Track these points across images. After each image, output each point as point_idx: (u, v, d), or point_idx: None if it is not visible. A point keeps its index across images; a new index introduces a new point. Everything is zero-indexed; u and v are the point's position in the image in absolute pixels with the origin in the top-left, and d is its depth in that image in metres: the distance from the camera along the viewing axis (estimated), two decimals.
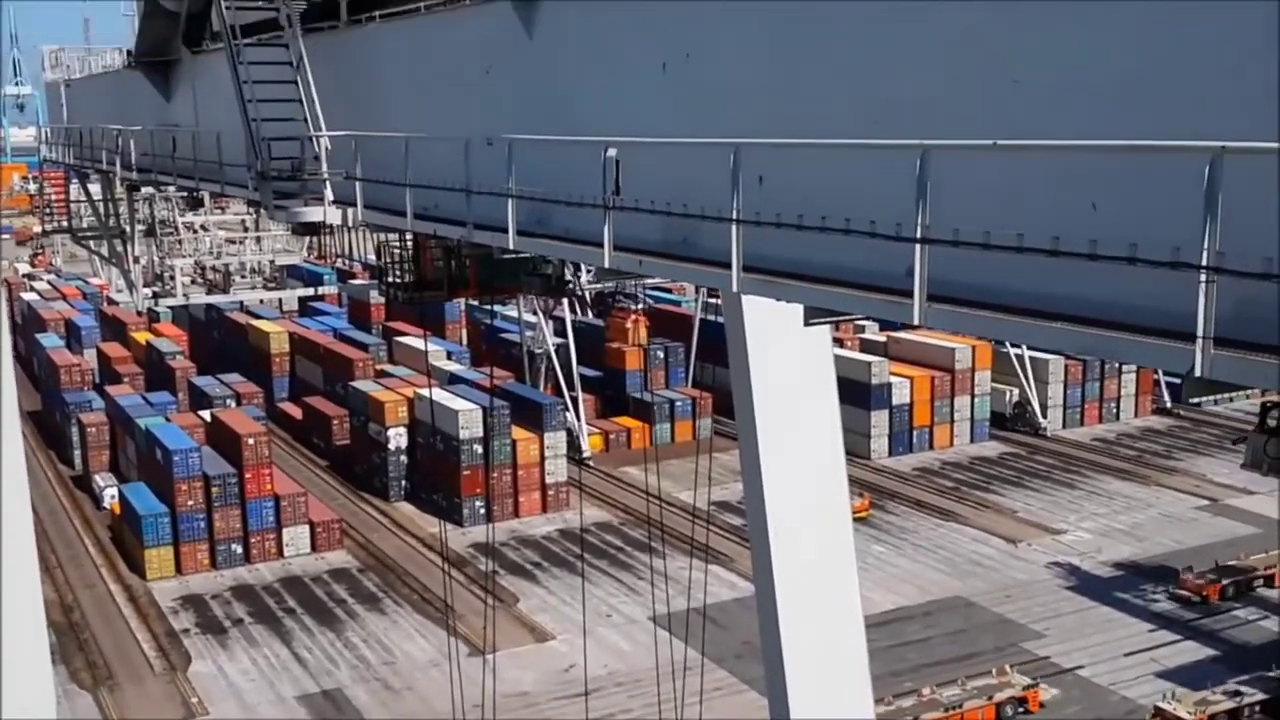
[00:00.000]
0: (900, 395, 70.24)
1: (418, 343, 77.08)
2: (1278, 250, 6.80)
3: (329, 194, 17.95)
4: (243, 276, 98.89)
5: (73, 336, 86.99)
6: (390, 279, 22.71)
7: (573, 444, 67.68)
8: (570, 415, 68.21)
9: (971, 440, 72.30)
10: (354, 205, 17.54)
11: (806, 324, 11.09)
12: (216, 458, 56.69)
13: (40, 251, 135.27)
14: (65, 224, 55.87)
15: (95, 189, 44.54)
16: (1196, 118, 7.57)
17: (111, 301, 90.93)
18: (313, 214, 17.98)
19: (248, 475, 55.45)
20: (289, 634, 49.60)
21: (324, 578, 55.07)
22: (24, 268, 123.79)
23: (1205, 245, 6.85)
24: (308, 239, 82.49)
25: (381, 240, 23.31)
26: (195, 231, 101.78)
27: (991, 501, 63.52)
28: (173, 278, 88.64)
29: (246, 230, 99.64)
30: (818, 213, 10.03)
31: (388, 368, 74.24)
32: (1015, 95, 8.82)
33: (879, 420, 69.63)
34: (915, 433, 70.97)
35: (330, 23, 19.19)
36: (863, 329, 77.52)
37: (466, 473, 59.77)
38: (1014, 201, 8.59)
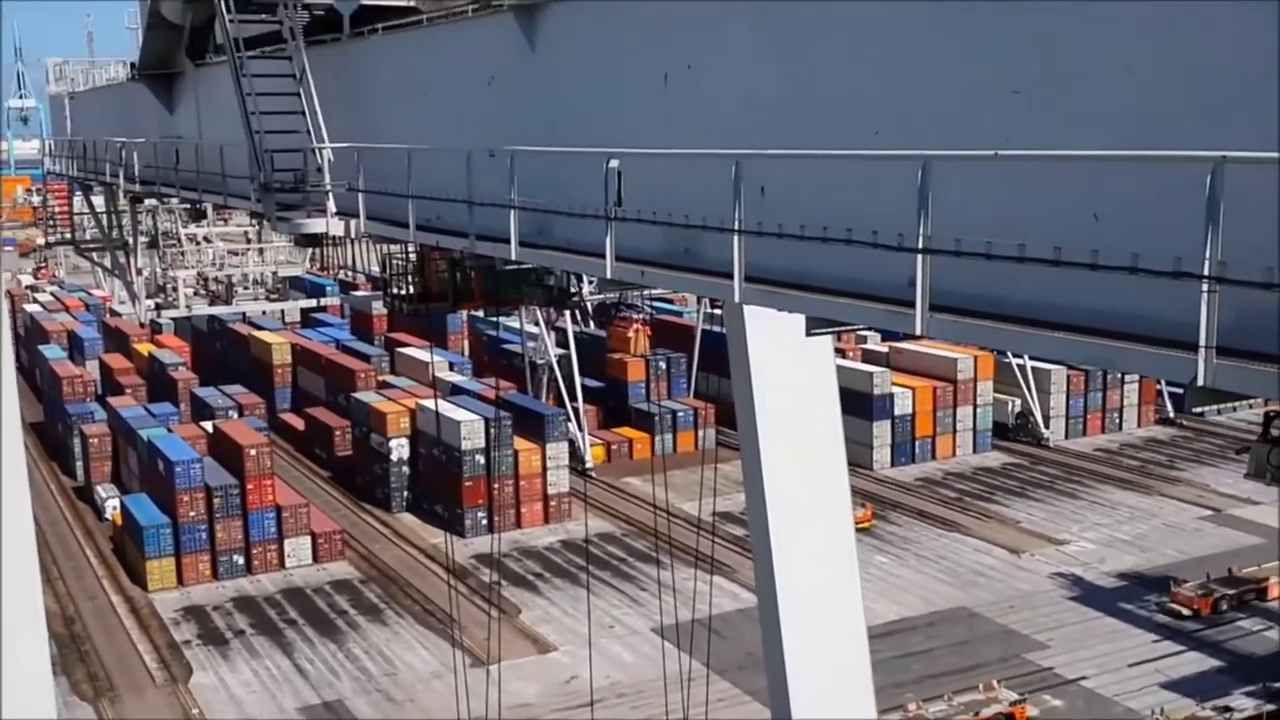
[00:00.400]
0: (902, 406, 70.18)
1: (420, 354, 77.13)
2: (1279, 260, 6.80)
3: (331, 205, 18.00)
4: (245, 288, 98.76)
5: (75, 348, 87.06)
6: (395, 290, 22.78)
7: (575, 455, 67.64)
8: (572, 426, 68.19)
9: (974, 450, 72.19)
10: (356, 217, 17.58)
11: (808, 334, 11.09)
12: (218, 469, 56.67)
13: (44, 264, 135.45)
14: (68, 236, 55.97)
15: (98, 201, 44.66)
16: (1198, 127, 7.58)
17: (114, 313, 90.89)
18: (315, 225, 18.03)
19: (249, 486, 55.44)
20: (290, 645, 49.54)
21: (326, 589, 55.01)
22: (27, 279, 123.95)
23: (1207, 255, 6.85)
24: (310, 250, 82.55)
25: (386, 252, 23.39)
26: (198, 243, 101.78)
27: (994, 512, 63.43)
28: (175, 289, 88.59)
29: (249, 242, 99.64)
30: (819, 223, 10.04)
31: (390, 379, 74.25)
32: (1017, 105, 8.84)
33: (881, 431, 69.56)
34: (918, 443, 70.89)
35: (333, 35, 19.26)
36: (865, 339, 77.50)
37: (468, 483, 59.73)
38: (1016, 212, 8.60)
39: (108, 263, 46.78)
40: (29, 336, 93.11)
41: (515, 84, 15.04)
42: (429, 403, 63.08)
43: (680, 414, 72.86)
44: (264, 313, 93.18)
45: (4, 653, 20.73)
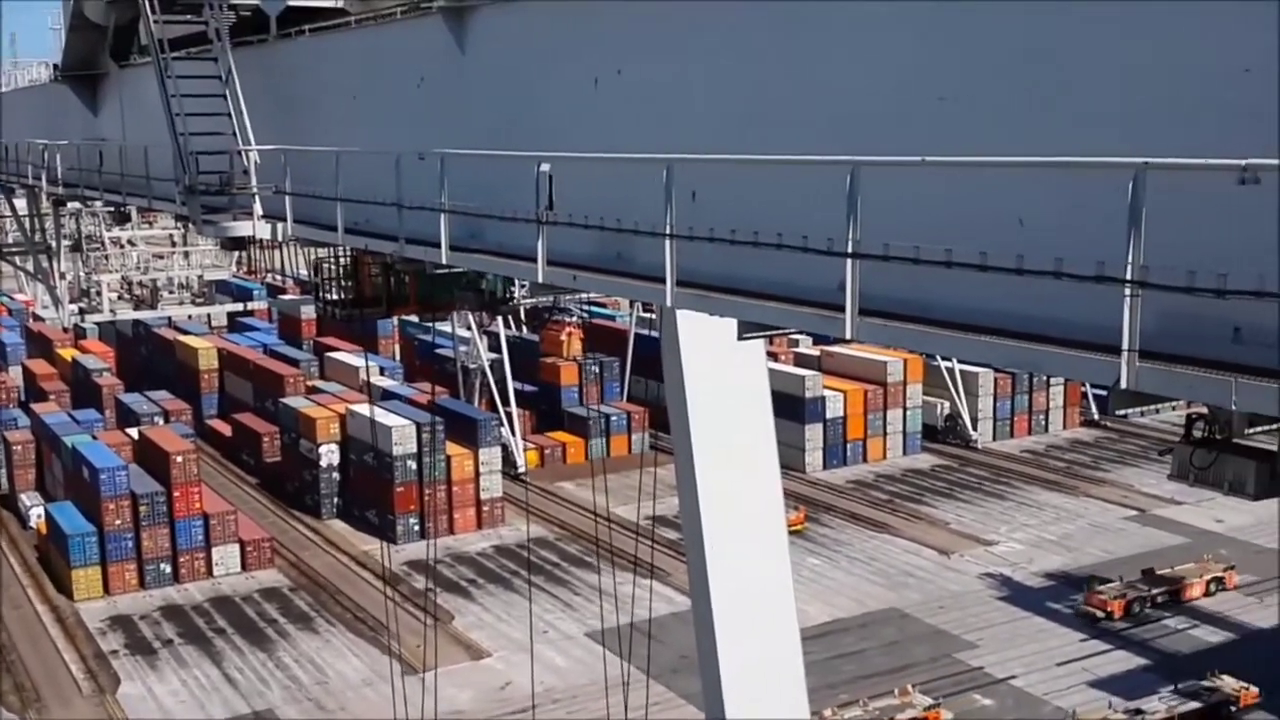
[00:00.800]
0: (834, 409, 70.75)
1: (349, 358, 76.37)
2: (1200, 264, 6.93)
3: (258, 208, 17.76)
4: (170, 292, 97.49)
5: None
6: (327, 295, 22.37)
7: (508, 459, 67.37)
8: (505, 430, 67.89)
9: (904, 453, 72.97)
10: (283, 220, 17.37)
11: (740, 338, 11.12)
12: (144, 476, 55.70)
13: None
14: None
15: (20, 204, 43.71)
16: (1121, 133, 7.71)
17: (37, 318, 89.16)
18: (241, 228, 17.78)
19: (176, 494, 54.53)
20: (219, 654, 48.79)
21: (255, 597, 54.24)
22: None
23: (1130, 259, 6.96)
24: (237, 254, 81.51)
25: (318, 256, 23.02)
26: (122, 246, 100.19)
27: (924, 513, 64.14)
28: (99, 293, 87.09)
29: (174, 245, 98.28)
30: (751, 227, 10.08)
31: (319, 384, 73.42)
32: (943, 112, 8.93)
33: (813, 434, 70.07)
34: (849, 446, 71.50)
35: (259, 36, 19.00)
36: (797, 343, 78.01)
37: (400, 489, 59.23)
38: (943, 217, 8.68)
39: (30, 267, 45.77)
40: None
41: (445, 86, 14.94)
42: (359, 408, 62.48)
43: (614, 418, 72.83)
44: (190, 317, 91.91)
45: None
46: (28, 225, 43.91)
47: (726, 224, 10.27)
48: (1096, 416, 78.32)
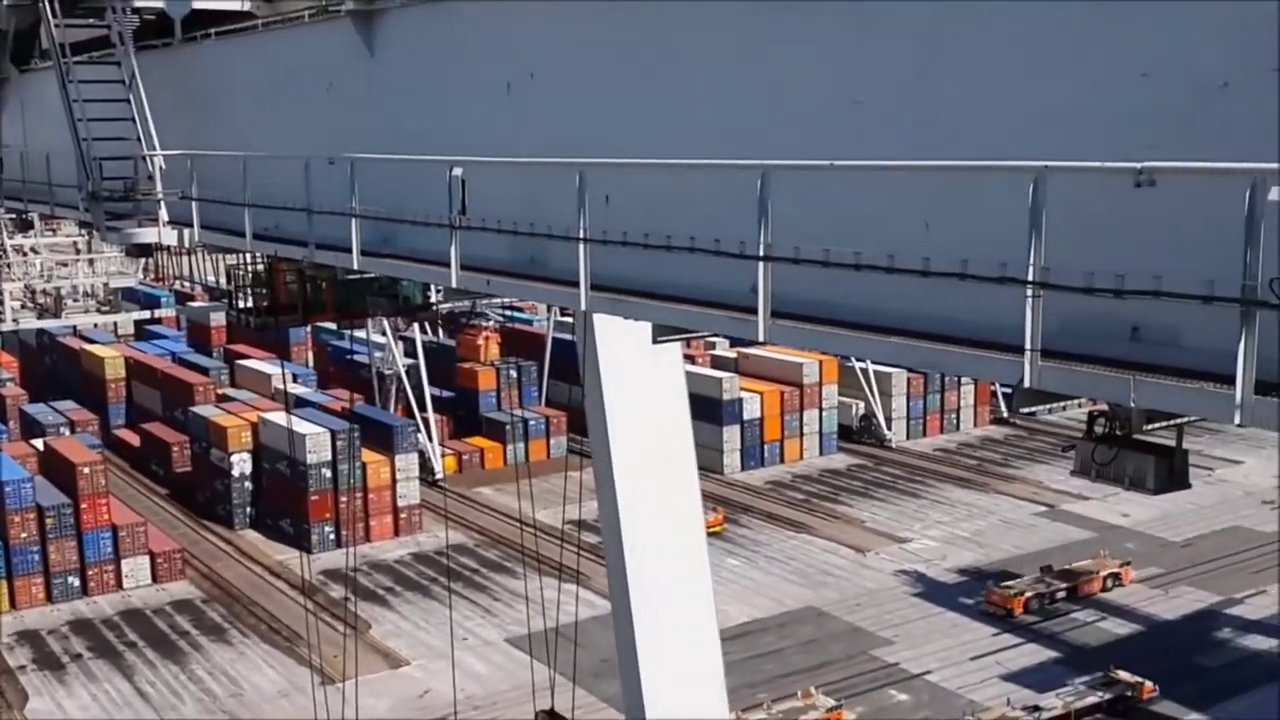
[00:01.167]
0: (751, 410, 71.24)
1: (261, 365, 75.19)
2: (1098, 265, 7.11)
3: (164, 214, 17.44)
4: (75, 300, 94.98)
5: None
6: (240, 303, 21.78)
7: (425, 466, 66.81)
8: (422, 436, 67.33)
9: (820, 453, 73.72)
10: (191, 226, 17.06)
11: (655, 341, 11.18)
12: (50, 488, 54.33)
13: None
14: None
15: None
16: (1024, 137, 7.88)
17: None
18: (147, 235, 17.44)
19: (84, 505, 53.25)
20: (130, 668, 47.72)
21: (166, 609, 53.16)
22: None
23: (1031, 261, 7.12)
24: (143, 261, 79.79)
25: (231, 263, 22.47)
26: (24, 254, 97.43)
27: (841, 512, 64.85)
28: (1, 302, 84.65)
29: (79, 252, 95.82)
30: (664, 231, 10.13)
31: (230, 392, 72.21)
32: (855, 116, 9.06)
33: (731, 435, 70.48)
34: (766, 447, 72.03)
35: (165, 40, 18.65)
36: (714, 345, 78.43)
37: (315, 498, 58.43)
38: (853, 220, 8.81)
39: None
40: None
41: (355, 91, 14.80)
42: (271, 416, 61.54)
43: (532, 422, 72.61)
44: (95, 325, 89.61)
45: None
46: None
47: (640, 228, 10.32)
48: (1006, 414, 79.81)
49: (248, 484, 61.89)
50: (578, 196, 10.30)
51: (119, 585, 54.22)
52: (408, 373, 69.68)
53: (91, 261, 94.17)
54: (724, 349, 77.81)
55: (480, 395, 75.25)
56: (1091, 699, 42.05)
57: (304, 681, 45.83)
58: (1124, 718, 42.39)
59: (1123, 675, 43.31)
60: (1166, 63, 7.17)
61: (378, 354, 72.01)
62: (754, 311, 8.99)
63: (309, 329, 79.61)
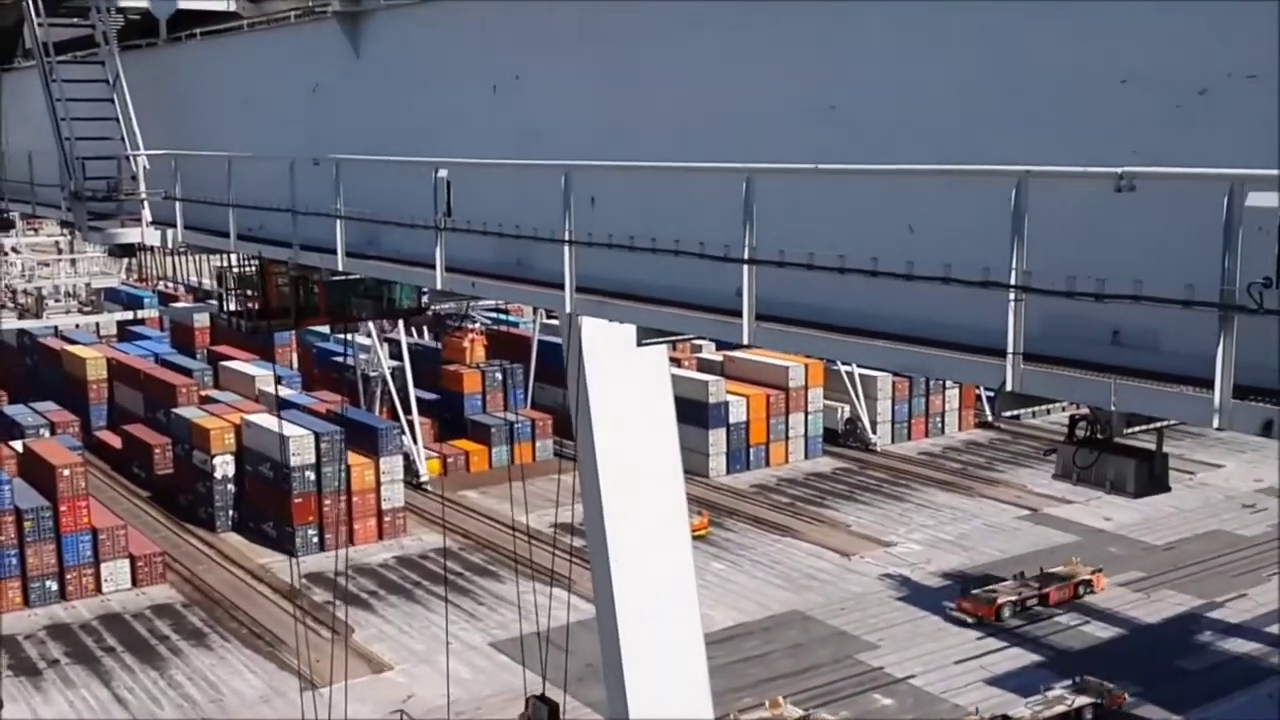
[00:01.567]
0: (737, 413, 71.29)
1: (245, 367, 74.94)
2: (1080, 269, 7.15)
3: (147, 214, 17.39)
4: (57, 300, 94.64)
5: None
6: (231, 307, 21.44)
7: (410, 469, 66.68)
8: (407, 439, 67.20)
9: (806, 456, 73.81)
10: (174, 226, 17.02)
11: (639, 344, 11.20)
12: (29, 490, 53.99)
13: None
14: None
15: None
16: (1006, 141, 7.92)
17: None
18: (130, 235, 17.39)
19: (63, 508, 52.91)
20: (109, 674, 47.45)
21: (146, 614, 52.88)
22: None
23: (1014, 265, 7.16)
24: (126, 261, 79.55)
25: (221, 265, 22.16)
26: (6, 254, 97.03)
27: (826, 516, 64.94)
28: None
29: (61, 252, 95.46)
30: (649, 234, 10.14)
31: (213, 393, 71.92)
32: (834, 121, 9.09)
33: (716, 438, 70.50)
34: (752, 450, 72.07)
35: (149, 40, 18.61)
36: (699, 348, 78.50)
37: (298, 501, 58.24)
38: (837, 224, 8.84)
39: None
40: None
41: (340, 92, 14.79)
42: (254, 418, 61.31)
43: (518, 425, 72.53)
44: (77, 326, 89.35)
45: None
46: None
47: (625, 230, 10.33)
48: (990, 419, 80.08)
49: (230, 486, 61.65)
50: (563, 198, 10.31)
51: (98, 589, 53.87)
52: (393, 375, 69.55)
53: (74, 262, 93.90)
54: (710, 352, 77.88)
55: (465, 398, 75.13)
56: (1060, 708, 42.02)
57: (285, 687, 45.73)
58: None
59: (1093, 683, 43.25)
60: (1146, 69, 7.21)
61: (363, 356, 71.87)
62: (739, 314, 9.01)
63: (293, 331, 79.41)
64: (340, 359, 76.03)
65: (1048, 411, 75.92)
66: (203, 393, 71.54)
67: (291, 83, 15.90)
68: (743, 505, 66.63)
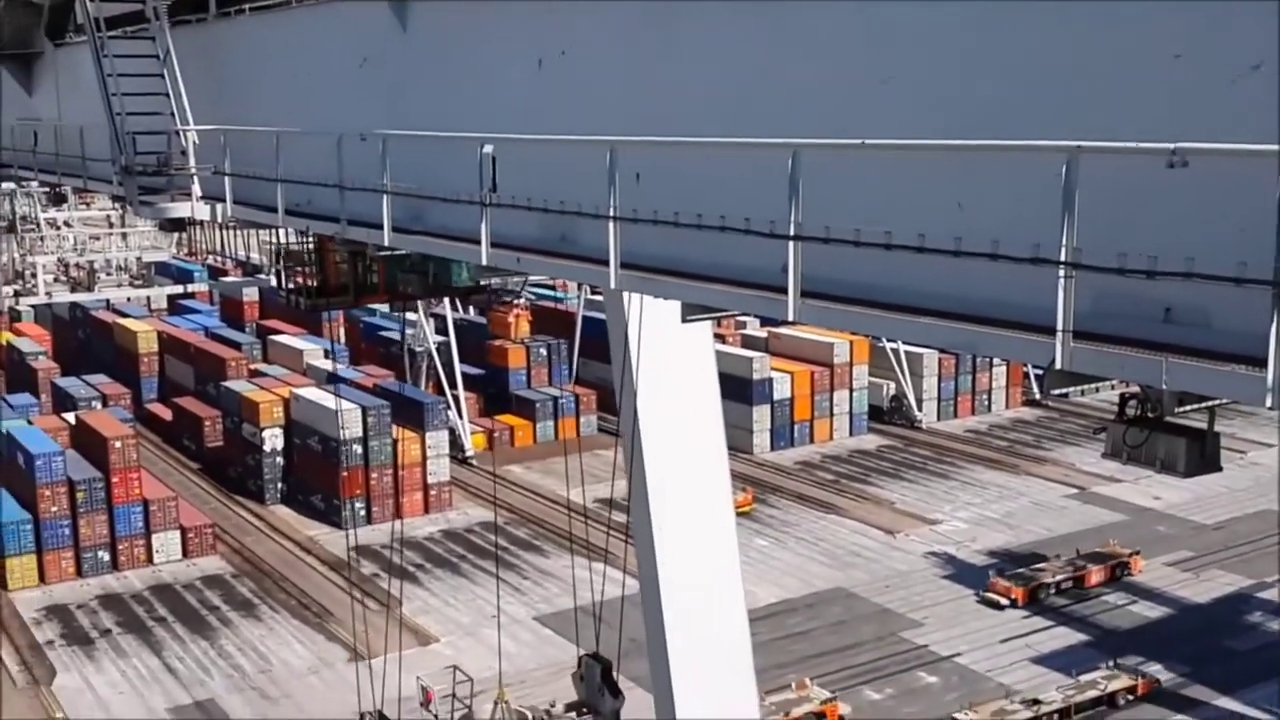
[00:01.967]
0: (781, 390, 71.13)
1: (294, 341, 75.67)
2: (1131, 246, 7.05)
3: (196, 189, 17.56)
4: (108, 274, 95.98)
5: None
6: (291, 283, 21.47)
7: (455, 443, 67.12)
8: (452, 414, 67.63)
9: (850, 433, 73.54)
10: (223, 201, 17.17)
11: (683, 320, 11.18)
12: (82, 461, 54.89)
13: None
14: None
15: None
16: (1058, 117, 7.81)
17: None
18: (179, 209, 17.57)
19: (115, 479, 53.77)
20: (159, 643, 48.26)
21: (196, 584, 53.70)
22: None
23: (1064, 242, 7.07)
24: (176, 235, 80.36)
25: (279, 242, 22.21)
26: (58, 228, 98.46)
27: (870, 494, 64.75)
28: (34, 275, 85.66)
29: (112, 226, 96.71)
30: (694, 210, 10.10)
31: (262, 367, 72.70)
32: (885, 94, 9.00)
33: (760, 415, 70.40)
34: (796, 427, 71.93)
35: (199, 15, 18.74)
36: (744, 325, 78.33)
37: (346, 474, 58.83)
38: (884, 200, 8.76)
39: None
40: None
41: (388, 66, 14.82)
42: (303, 391, 61.93)
43: (562, 400, 72.79)
44: (129, 299, 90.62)
45: None
46: None
47: (670, 206, 10.29)
48: (1038, 396, 79.36)
49: (279, 459, 62.39)
50: (608, 174, 10.29)
51: (149, 560, 54.78)
52: (438, 350, 69.96)
53: (124, 236, 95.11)
54: (754, 328, 77.69)
55: (510, 373, 75.48)
56: (1093, 693, 41.69)
57: (333, 657, 46.33)
58: (1127, 709, 41.95)
59: (1126, 667, 42.85)
60: (1199, 44, 7.09)
61: (409, 331, 72.32)
62: (784, 291, 8.96)
63: None
64: (387, 334, 76.61)
65: (1096, 390, 75.21)
66: (252, 366, 72.34)
67: (339, 57, 15.96)
68: (787, 482, 66.56)
